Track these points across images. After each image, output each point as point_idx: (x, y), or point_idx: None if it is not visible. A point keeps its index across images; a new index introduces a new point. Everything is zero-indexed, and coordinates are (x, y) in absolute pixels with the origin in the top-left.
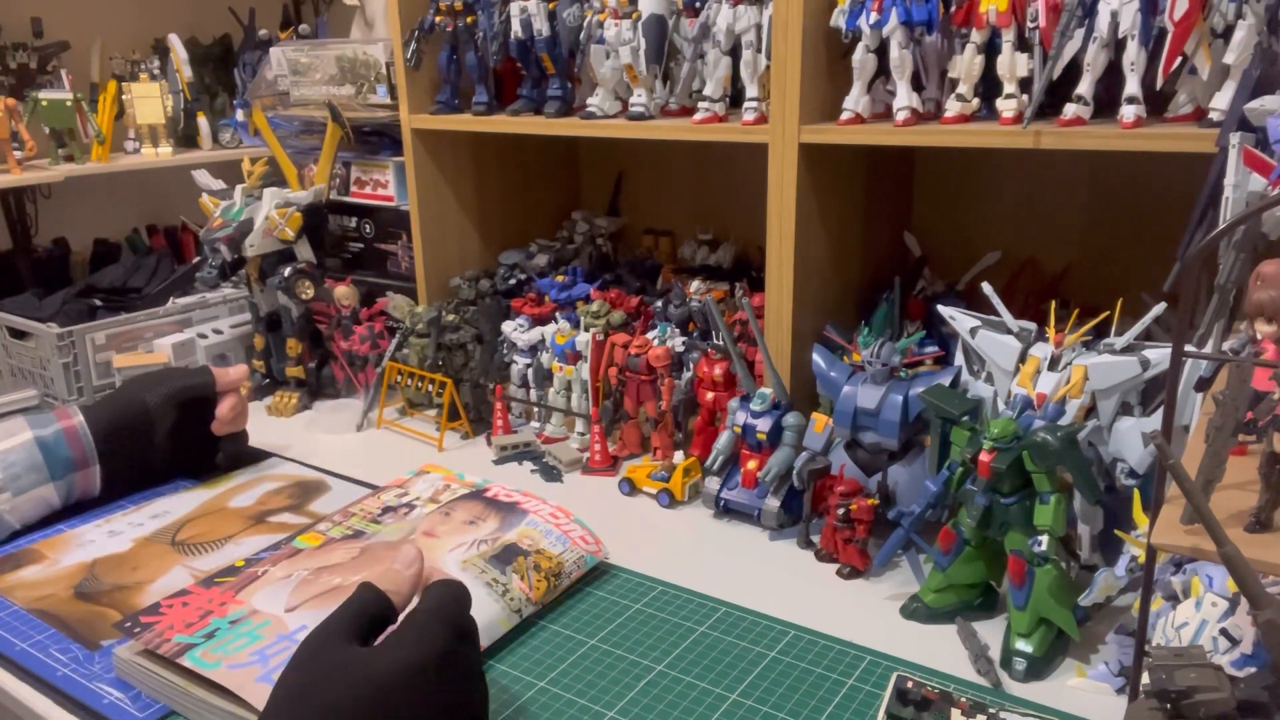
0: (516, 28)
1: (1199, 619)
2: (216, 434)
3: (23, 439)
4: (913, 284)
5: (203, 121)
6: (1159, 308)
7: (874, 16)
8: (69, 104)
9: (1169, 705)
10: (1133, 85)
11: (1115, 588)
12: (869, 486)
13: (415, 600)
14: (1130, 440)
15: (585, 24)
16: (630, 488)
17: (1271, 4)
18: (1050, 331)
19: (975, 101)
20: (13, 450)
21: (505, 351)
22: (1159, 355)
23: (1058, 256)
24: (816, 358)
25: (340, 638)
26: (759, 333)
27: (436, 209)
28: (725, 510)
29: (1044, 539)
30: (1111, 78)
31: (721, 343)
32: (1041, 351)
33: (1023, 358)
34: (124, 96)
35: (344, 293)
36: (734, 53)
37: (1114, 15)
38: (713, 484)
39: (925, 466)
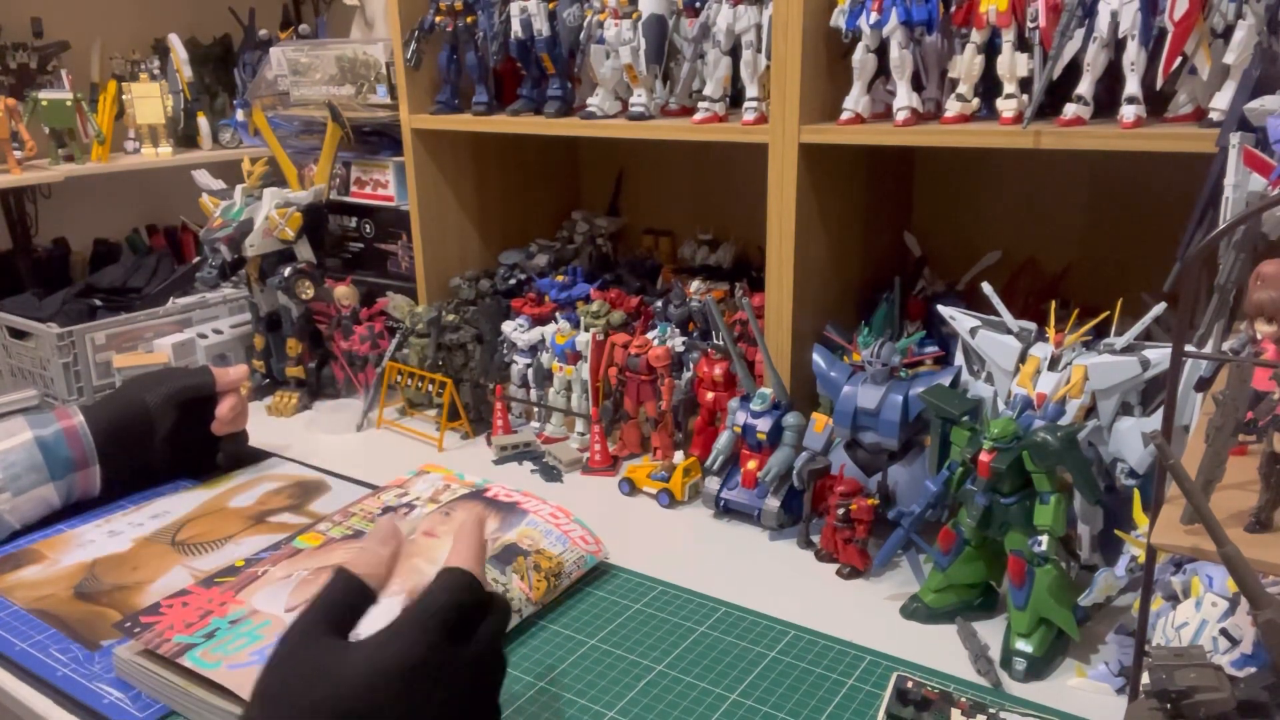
0: (516, 28)
1: (1199, 619)
2: (216, 434)
3: (23, 439)
4: (913, 284)
5: (203, 121)
6: (1159, 308)
7: (874, 16)
8: (69, 104)
9: (1169, 705)
10: (1133, 85)
11: (1115, 588)
12: (869, 486)
13: (404, 583)
14: (1130, 440)
15: (585, 24)
16: (630, 488)
17: (1271, 4)
18: (1050, 331)
19: (975, 101)
20: (13, 450)
21: (505, 351)
22: (1159, 355)
23: (1058, 256)
24: (816, 358)
25: (316, 633)
26: (759, 333)
27: (436, 209)
28: (725, 510)
29: (1044, 539)
30: (1111, 78)
31: (721, 343)
32: (1041, 351)
33: (1023, 358)
34: (124, 96)
35: (344, 293)
36: (734, 53)
37: (1114, 15)
38: (713, 484)
39: (925, 466)
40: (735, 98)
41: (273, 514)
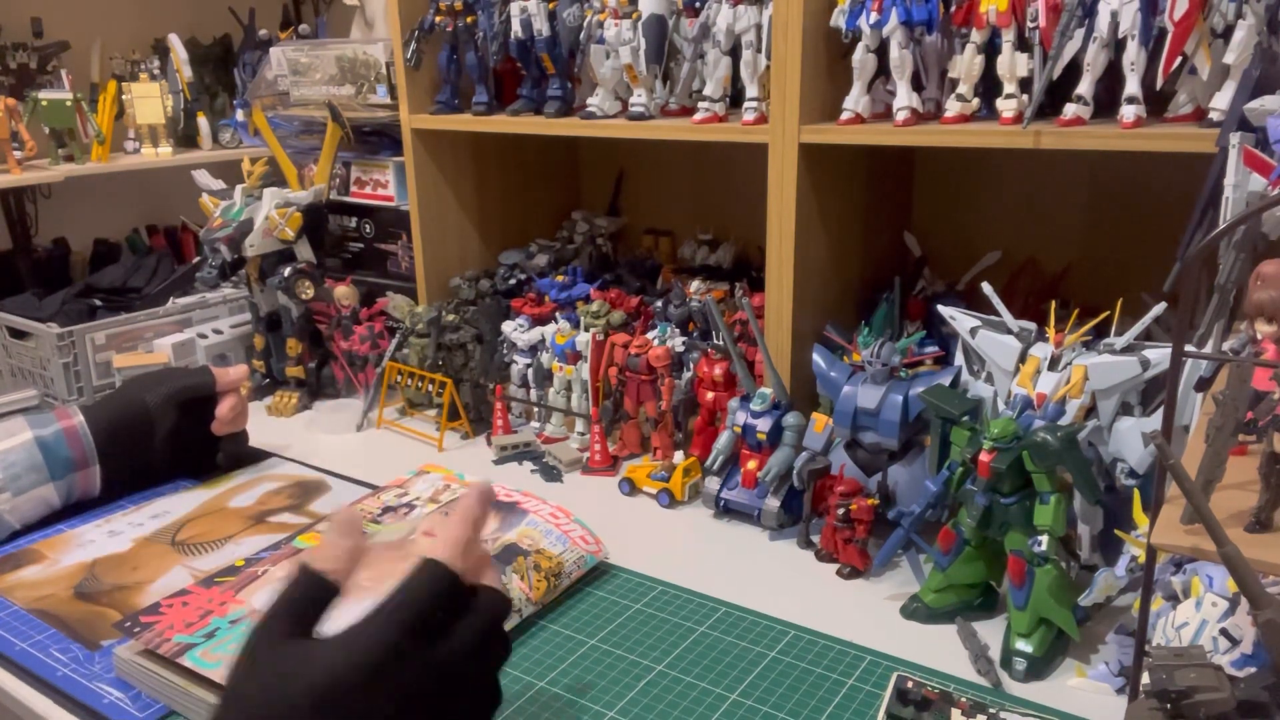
0: (516, 28)
1: (1199, 619)
2: (217, 434)
3: (23, 439)
4: (913, 284)
5: (203, 121)
6: (1159, 308)
7: (874, 16)
8: (69, 104)
9: (1169, 705)
10: (1133, 85)
11: (1115, 588)
12: (869, 486)
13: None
14: (1130, 440)
15: (585, 24)
16: (630, 488)
17: (1271, 4)
18: (1050, 331)
19: (975, 101)
20: (13, 450)
21: (505, 351)
22: (1159, 355)
23: (1058, 256)
24: (816, 358)
25: (278, 633)
26: (759, 333)
27: (436, 209)
28: (725, 510)
29: (1044, 539)
30: (1111, 78)
31: (721, 343)
32: (1041, 351)
33: (1023, 358)
34: (124, 96)
35: (344, 293)
36: (734, 53)
37: (1114, 15)
38: (713, 484)
39: (925, 466)
40: (735, 98)
41: (273, 514)
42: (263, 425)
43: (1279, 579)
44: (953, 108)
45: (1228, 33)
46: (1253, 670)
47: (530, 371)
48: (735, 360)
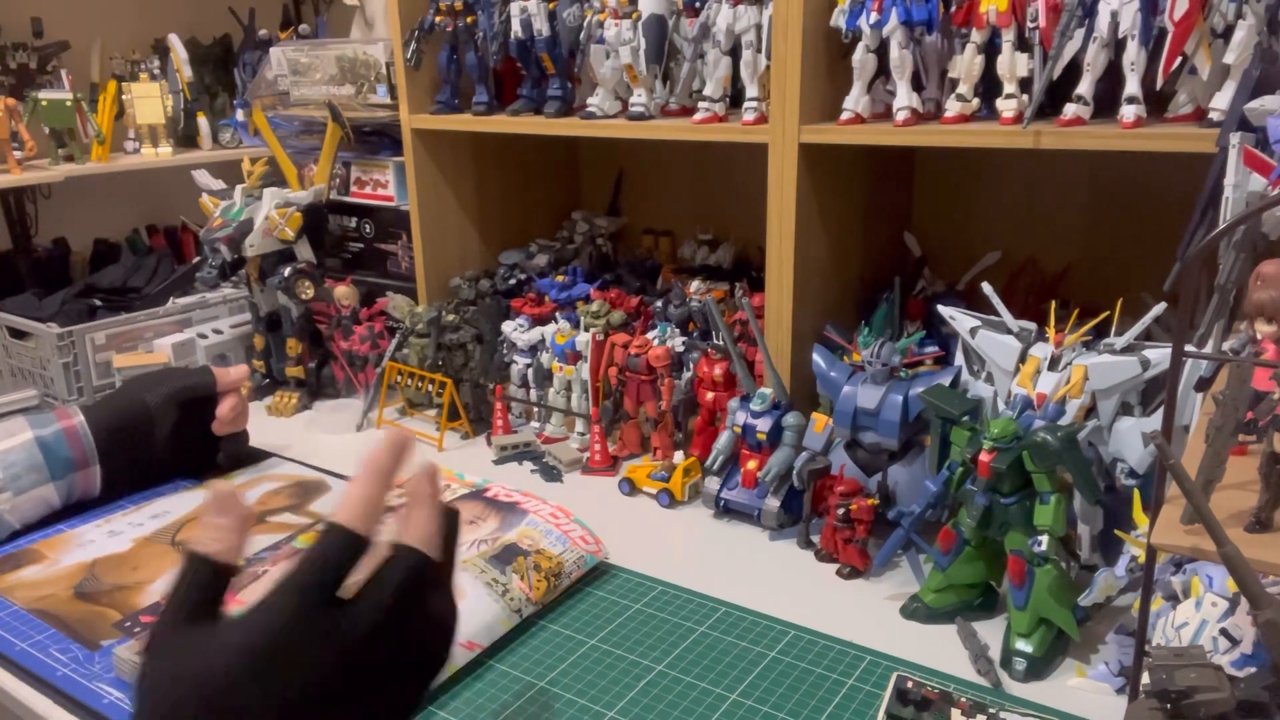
0: (516, 28)
1: (1199, 619)
2: (217, 434)
3: (23, 439)
4: (913, 284)
5: (203, 121)
6: (1159, 308)
7: (874, 16)
8: (69, 104)
9: (1169, 705)
10: (1133, 85)
11: (1115, 588)
12: (869, 486)
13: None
14: (1130, 440)
15: (585, 24)
16: (630, 488)
17: (1272, 4)
18: (1050, 331)
19: (975, 101)
20: (13, 450)
21: (505, 351)
22: (1159, 355)
23: (1058, 256)
24: (816, 358)
25: (175, 626)
26: (759, 333)
27: (436, 209)
28: (725, 510)
29: (1044, 539)
30: (1111, 78)
31: (721, 343)
32: (1041, 351)
33: (1023, 358)
34: (124, 96)
35: (344, 293)
36: (734, 53)
37: (1114, 15)
38: (713, 484)
39: (925, 466)
40: (735, 98)
41: (273, 514)
42: (263, 425)
43: (1279, 579)
44: (953, 108)
45: (1228, 33)
46: (1253, 670)
47: (530, 371)
48: (735, 360)
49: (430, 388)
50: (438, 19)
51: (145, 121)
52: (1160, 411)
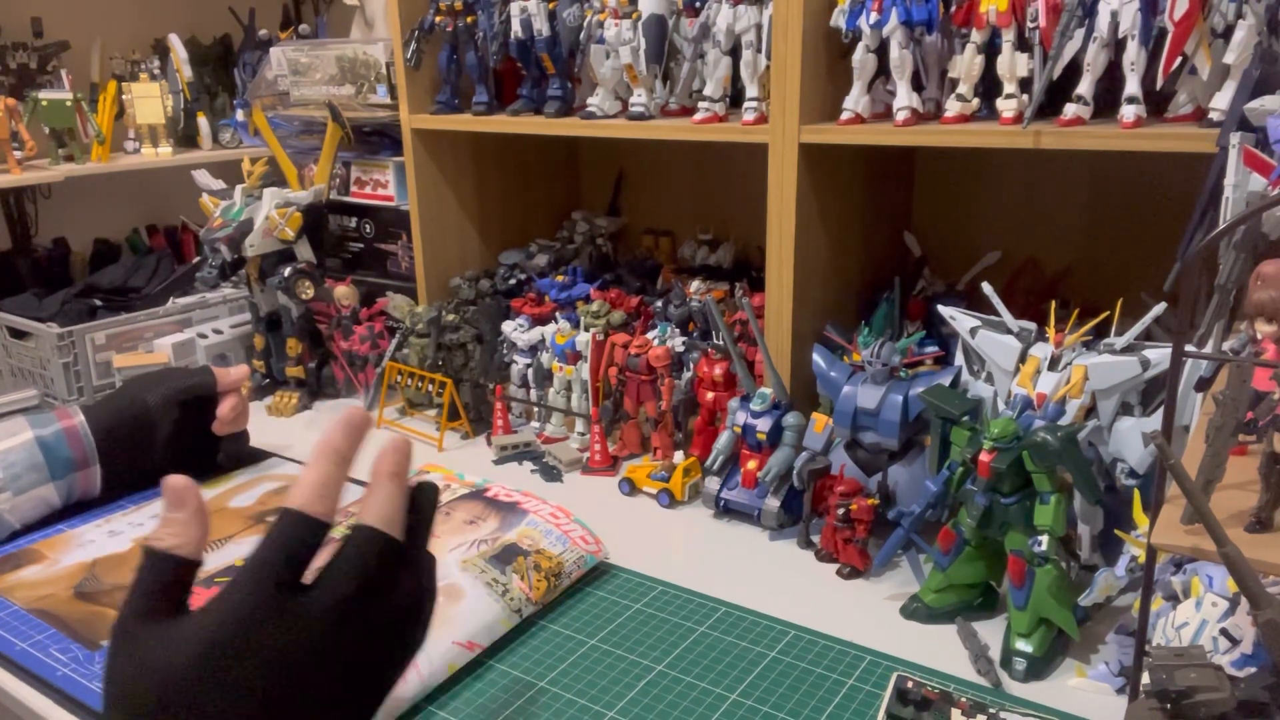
0: (516, 28)
1: (1199, 619)
2: (217, 434)
3: (23, 439)
4: (913, 284)
5: (203, 121)
6: (1159, 308)
7: (874, 16)
8: (69, 104)
9: (1169, 705)
10: (1133, 85)
11: (1115, 588)
12: (869, 486)
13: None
14: (1130, 440)
15: (585, 24)
16: (630, 488)
17: (1272, 4)
18: (1050, 331)
19: (975, 101)
20: (13, 450)
21: (505, 351)
22: (1159, 355)
23: (1058, 256)
24: (816, 358)
25: (136, 625)
26: (759, 333)
27: (436, 209)
28: (725, 510)
29: (1044, 539)
30: (1111, 78)
31: (721, 343)
32: (1041, 351)
33: (1023, 358)
34: (124, 96)
35: (344, 293)
36: (734, 53)
37: (1114, 15)
38: (713, 484)
39: (925, 466)
40: (735, 98)
41: (273, 514)
42: (263, 425)
43: (1279, 579)
44: (953, 108)
45: (1228, 33)
46: (1253, 670)
47: (530, 371)
48: (735, 360)
49: (430, 388)
50: (438, 19)
51: (145, 121)
52: (1160, 411)
